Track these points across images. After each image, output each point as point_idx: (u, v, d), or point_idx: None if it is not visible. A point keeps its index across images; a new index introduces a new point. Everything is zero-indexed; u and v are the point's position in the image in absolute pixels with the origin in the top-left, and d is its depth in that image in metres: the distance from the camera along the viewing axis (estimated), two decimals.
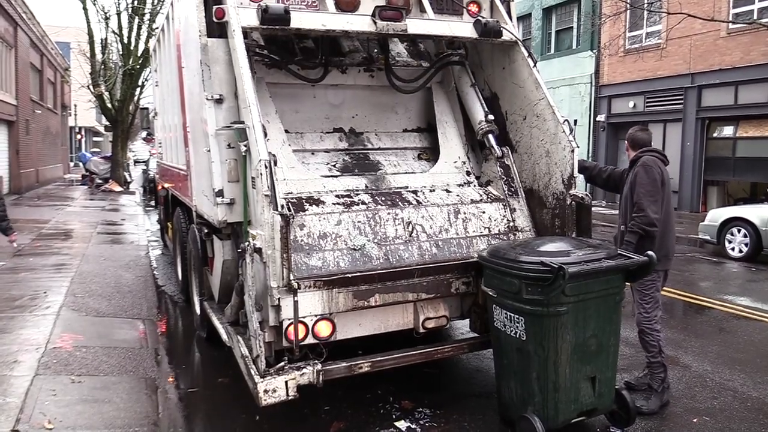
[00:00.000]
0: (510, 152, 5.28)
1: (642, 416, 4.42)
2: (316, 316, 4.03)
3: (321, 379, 3.92)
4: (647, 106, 19.95)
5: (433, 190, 5.00)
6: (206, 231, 5.49)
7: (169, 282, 8.74)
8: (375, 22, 4.60)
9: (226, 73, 4.52)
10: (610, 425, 4.30)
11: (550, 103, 4.93)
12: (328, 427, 4.32)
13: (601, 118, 21.76)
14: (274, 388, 3.76)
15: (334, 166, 5.22)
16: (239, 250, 4.12)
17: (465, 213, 4.85)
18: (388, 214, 4.58)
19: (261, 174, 3.80)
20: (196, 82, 4.88)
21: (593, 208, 4.82)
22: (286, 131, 5.06)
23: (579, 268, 3.69)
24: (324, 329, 4.08)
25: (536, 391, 3.88)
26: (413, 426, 4.35)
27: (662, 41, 18.52)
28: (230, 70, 4.48)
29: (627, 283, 4.17)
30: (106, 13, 23.68)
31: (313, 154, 5.25)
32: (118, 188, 23.84)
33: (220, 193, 4.55)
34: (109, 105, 24.91)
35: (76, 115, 39.77)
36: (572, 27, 23.64)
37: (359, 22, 4.63)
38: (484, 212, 4.93)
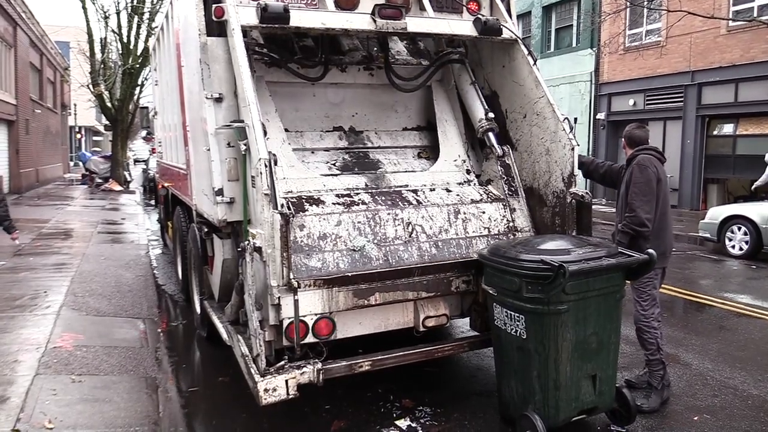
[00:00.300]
0: (511, 151, 5.27)
1: (642, 414, 4.42)
2: (316, 314, 4.03)
3: (321, 378, 3.92)
4: (647, 104, 19.94)
5: (434, 189, 4.99)
6: (206, 230, 5.49)
7: (169, 281, 8.74)
8: (374, 21, 4.59)
9: (226, 72, 4.52)
10: (611, 423, 4.30)
11: (550, 101, 4.92)
12: (328, 425, 4.32)
13: (601, 116, 21.75)
14: (275, 387, 3.76)
15: (334, 164, 5.21)
16: (239, 249, 4.11)
17: (465, 213, 4.84)
18: (388, 214, 4.57)
19: (261, 173, 3.80)
20: (195, 80, 4.87)
21: (593, 207, 4.82)
22: (286, 130, 5.05)
23: (579, 267, 3.69)
24: (324, 328, 4.08)
25: (537, 390, 3.88)
26: (414, 425, 4.35)
27: (662, 39, 18.51)
28: (230, 68, 4.48)
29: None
30: (105, 12, 23.69)
31: (312, 152, 5.25)
32: (118, 187, 23.83)
33: (219, 192, 4.55)
34: (109, 104, 24.89)
35: (75, 114, 39.75)
36: (572, 25, 23.62)
37: (359, 20, 4.62)
38: (484, 212, 4.92)
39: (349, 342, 4.41)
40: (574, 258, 3.79)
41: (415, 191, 4.91)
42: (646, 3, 17.43)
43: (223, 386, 5.03)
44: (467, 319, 5.14)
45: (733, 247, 11.26)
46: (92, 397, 4.55)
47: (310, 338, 4.04)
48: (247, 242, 3.89)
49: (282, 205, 3.83)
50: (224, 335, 4.76)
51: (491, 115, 5.31)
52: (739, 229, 11.19)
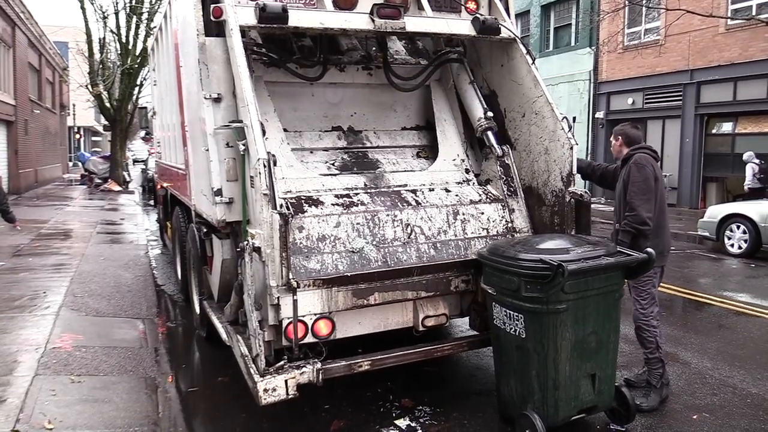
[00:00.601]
0: (510, 151, 5.26)
1: (642, 413, 4.42)
2: (315, 314, 4.03)
3: (321, 378, 3.91)
4: (646, 103, 19.94)
5: (433, 189, 4.99)
6: (205, 230, 5.49)
7: (168, 281, 8.73)
8: (373, 20, 4.59)
9: (224, 72, 4.52)
10: (610, 422, 4.30)
11: (549, 100, 4.92)
12: (328, 425, 4.33)
13: (599, 114, 21.75)
14: (274, 387, 3.76)
15: (333, 164, 5.21)
16: (238, 249, 4.11)
17: (464, 214, 4.84)
18: (387, 215, 4.57)
19: (260, 173, 3.80)
20: (194, 81, 4.87)
21: (592, 206, 4.82)
22: (285, 130, 5.05)
23: (578, 266, 3.69)
24: (323, 328, 4.08)
25: (536, 389, 3.88)
26: (413, 424, 4.35)
27: (661, 38, 18.51)
28: (228, 68, 4.48)
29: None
30: (104, 12, 23.67)
31: (311, 152, 5.25)
32: (117, 188, 23.83)
33: (218, 193, 4.55)
34: (108, 104, 24.88)
35: (74, 114, 39.72)
36: (571, 24, 23.61)
37: (357, 20, 4.62)
38: (482, 213, 4.92)
39: (348, 342, 4.41)
40: (573, 257, 3.79)
41: (414, 191, 4.91)
42: (644, 2, 17.43)
43: (223, 386, 5.03)
44: (466, 319, 5.14)
45: (732, 245, 11.26)
46: (92, 397, 4.55)
47: (309, 338, 4.04)
48: (246, 242, 3.89)
49: (281, 205, 3.83)
50: (224, 335, 4.76)
51: (490, 114, 5.31)
52: (738, 227, 11.20)
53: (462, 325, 6.13)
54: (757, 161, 14.50)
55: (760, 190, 14.17)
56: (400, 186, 5.03)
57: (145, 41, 22.32)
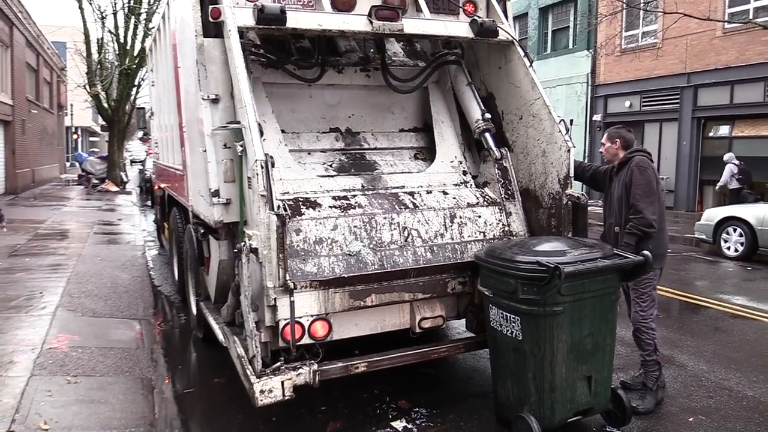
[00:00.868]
0: (508, 154, 5.27)
1: (638, 415, 4.43)
2: (312, 316, 4.03)
3: (317, 380, 3.91)
4: (643, 106, 19.99)
5: (430, 192, 4.99)
6: (202, 231, 5.48)
7: (165, 282, 8.72)
8: (371, 22, 4.59)
9: (222, 73, 4.51)
10: (606, 425, 4.31)
11: (546, 102, 4.93)
12: (324, 427, 4.32)
13: (597, 117, 21.79)
14: (271, 388, 3.76)
15: (331, 166, 5.22)
16: (235, 251, 4.11)
17: (461, 217, 4.85)
18: (384, 218, 4.58)
19: (257, 174, 3.80)
20: (192, 81, 4.87)
21: (589, 208, 4.83)
22: (283, 131, 5.05)
23: (575, 268, 3.69)
24: (320, 329, 4.08)
25: (532, 391, 3.88)
26: (410, 426, 4.35)
27: (658, 41, 18.55)
28: (226, 69, 4.48)
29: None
30: (102, 12, 23.65)
31: (309, 154, 5.25)
32: (114, 188, 23.80)
33: (216, 193, 4.54)
34: (106, 105, 24.87)
35: (72, 114, 39.68)
36: (569, 26, 23.66)
37: (355, 21, 4.63)
38: (480, 216, 4.93)
39: (345, 343, 4.41)
40: (570, 259, 3.80)
41: (411, 193, 4.91)
42: (642, 5, 17.48)
43: (219, 387, 5.03)
44: (463, 321, 5.14)
45: (729, 248, 11.29)
46: (88, 398, 4.54)
47: (306, 339, 4.04)
48: (243, 243, 3.89)
49: (278, 207, 3.83)
50: (220, 336, 4.76)
51: (488, 115, 5.31)
52: (735, 230, 11.23)
53: (459, 327, 6.13)
54: (736, 162, 14.98)
55: (739, 191, 14.83)
56: (397, 188, 5.03)
57: (143, 42, 22.29)
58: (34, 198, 19.64)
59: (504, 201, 5.08)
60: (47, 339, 5.59)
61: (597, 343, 3.96)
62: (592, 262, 3.86)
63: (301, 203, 4.46)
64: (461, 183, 5.29)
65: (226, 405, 4.67)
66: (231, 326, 4.65)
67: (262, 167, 3.79)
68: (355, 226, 4.46)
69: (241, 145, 4.14)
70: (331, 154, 5.32)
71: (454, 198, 4.98)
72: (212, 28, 4.51)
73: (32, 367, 4.93)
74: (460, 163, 5.44)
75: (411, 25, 4.79)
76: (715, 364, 5.64)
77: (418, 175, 5.27)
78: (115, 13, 23.28)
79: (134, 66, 23.42)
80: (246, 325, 3.91)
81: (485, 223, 4.93)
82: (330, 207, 4.51)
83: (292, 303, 3.81)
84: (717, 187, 15.85)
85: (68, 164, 38.11)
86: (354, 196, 4.74)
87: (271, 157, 3.89)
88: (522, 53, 5.13)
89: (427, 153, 5.61)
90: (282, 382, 3.79)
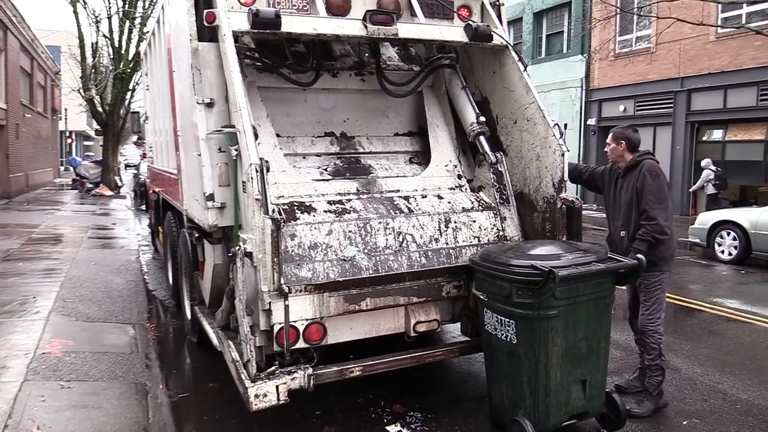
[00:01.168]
0: (503, 158, 5.27)
1: (632, 419, 4.43)
2: (306, 320, 4.02)
3: (312, 384, 3.91)
4: (637, 110, 20.08)
5: (425, 196, 5.00)
6: (197, 235, 5.47)
7: (159, 286, 8.69)
8: (366, 26, 4.60)
9: (217, 77, 4.51)
10: (601, 428, 4.31)
11: (541, 107, 4.94)
12: (319, 431, 4.31)
13: (591, 121, 21.88)
14: (265, 392, 3.75)
15: (326, 170, 5.22)
16: (230, 255, 4.10)
17: (456, 222, 4.85)
18: (379, 223, 4.58)
19: (252, 178, 3.79)
20: (186, 86, 4.87)
21: (584, 212, 4.84)
22: (278, 135, 5.05)
23: (569, 272, 3.70)
24: (315, 333, 4.07)
25: (527, 395, 3.89)
26: (404, 430, 4.34)
27: (652, 45, 18.66)
28: (221, 74, 4.47)
29: (624, 286, 4.17)
30: (96, 16, 23.59)
31: (304, 158, 5.25)
32: (108, 192, 23.74)
33: (210, 197, 4.54)
34: (100, 109, 24.81)
35: (66, 119, 39.57)
36: (563, 31, 23.77)
37: (350, 26, 4.63)
38: (474, 221, 4.94)
39: (340, 347, 4.40)
40: (564, 263, 3.80)
41: (406, 198, 4.91)
42: (636, 10, 17.57)
43: (214, 392, 5.01)
44: (458, 325, 5.14)
45: (723, 252, 11.33)
46: (81, 403, 4.52)
47: (300, 344, 4.03)
48: (237, 247, 3.88)
49: (273, 210, 3.82)
50: (215, 341, 4.75)
51: (482, 118, 5.32)
52: (729, 234, 11.26)
53: (453, 331, 6.13)
54: (713, 168, 15.47)
55: (715, 196, 15.45)
56: (392, 191, 5.03)
57: (137, 46, 22.29)
58: (27, 202, 19.56)
59: (499, 205, 5.09)
60: (40, 344, 5.57)
61: (591, 347, 3.97)
62: (587, 265, 3.87)
63: (296, 207, 4.46)
64: (456, 187, 5.30)
65: (220, 409, 4.65)
66: (225, 330, 4.64)
67: (256, 171, 3.78)
68: (350, 231, 4.46)
69: (236, 149, 4.14)
70: (326, 158, 5.32)
71: (449, 202, 4.99)
72: (207, 32, 4.51)
73: (25, 372, 4.91)
74: (455, 167, 5.45)
75: (405, 29, 4.80)
76: (709, 367, 5.65)
77: (413, 179, 5.28)
78: (109, 17, 23.23)
79: (129, 70, 23.38)
80: (240, 329, 3.90)
81: (480, 227, 4.93)
82: (325, 211, 4.51)
83: (286, 307, 3.81)
84: (690, 191, 16.68)
85: (62, 168, 37.99)
86: (349, 200, 4.74)
87: (267, 162, 3.89)
88: (516, 58, 5.14)
89: (422, 157, 5.62)
90: (277, 387, 3.78)
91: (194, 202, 5.20)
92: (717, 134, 17.82)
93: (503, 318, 3.93)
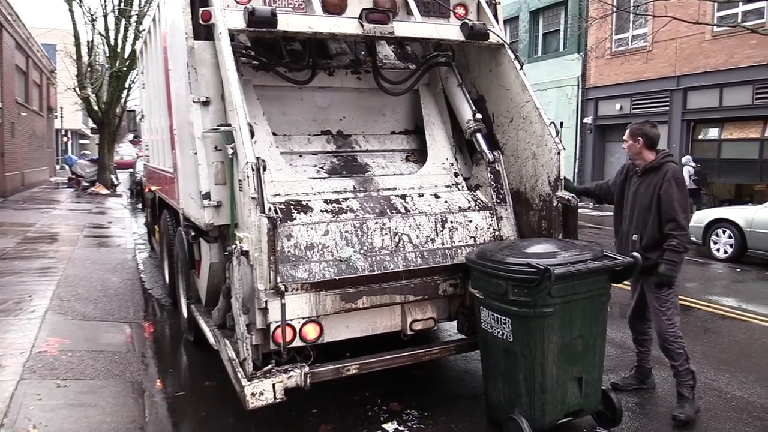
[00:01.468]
0: (501, 157, 5.26)
1: (628, 416, 4.45)
2: (303, 318, 4.03)
3: (308, 382, 3.91)
4: (633, 108, 20.11)
5: (422, 195, 5.00)
6: (193, 234, 5.47)
7: (156, 285, 8.68)
8: (362, 25, 4.60)
9: (213, 76, 4.51)
10: (597, 425, 4.33)
11: (537, 105, 4.95)
12: (316, 429, 4.32)
13: (588, 120, 21.92)
14: (262, 391, 3.75)
15: (322, 168, 5.22)
16: (226, 253, 4.10)
17: (452, 222, 4.86)
18: (376, 223, 4.58)
19: (248, 177, 3.79)
20: (182, 84, 4.86)
21: (580, 210, 4.84)
22: (274, 134, 5.05)
23: (565, 270, 3.71)
24: (311, 332, 4.08)
25: (523, 392, 3.90)
26: (401, 428, 4.35)
27: (648, 44, 18.70)
28: (217, 72, 4.47)
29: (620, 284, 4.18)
30: (92, 15, 23.50)
31: (300, 156, 5.25)
32: (104, 191, 23.68)
33: (207, 196, 4.53)
34: (96, 107, 24.74)
35: (62, 117, 39.47)
36: (559, 30, 23.80)
37: (346, 24, 4.63)
38: (470, 221, 4.94)
39: (336, 346, 4.41)
40: (560, 261, 3.81)
41: (403, 197, 4.91)
42: (632, 8, 17.61)
43: (210, 390, 5.01)
44: (454, 323, 5.15)
45: (718, 250, 11.36)
46: (78, 402, 4.51)
47: (297, 342, 4.03)
48: (234, 246, 3.89)
49: (269, 209, 3.82)
50: (211, 339, 4.75)
51: (479, 115, 5.32)
52: (724, 232, 11.30)
53: (450, 329, 6.14)
54: (693, 164, 15.62)
55: (696, 191, 15.51)
56: (389, 189, 5.04)
57: (133, 44, 22.24)
58: (23, 201, 19.51)
59: (495, 205, 5.09)
60: (36, 342, 5.56)
61: (587, 345, 3.98)
62: (582, 263, 3.88)
63: (292, 207, 4.46)
64: (453, 185, 5.30)
65: (217, 408, 4.65)
66: (222, 329, 4.64)
67: (252, 170, 3.78)
68: (347, 232, 4.46)
69: (232, 148, 4.13)
70: (322, 156, 5.32)
71: (446, 202, 4.99)
72: (203, 30, 4.50)
73: (21, 370, 4.90)
74: (452, 164, 5.45)
75: (402, 28, 4.80)
76: (704, 365, 5.67)
77: (409, 177, 5.28)
78: (105, 16, 23.18)
79: (125, 68, 23.31)
80: (237, 327, 3.90)
81: (476, 228, 4.94)
82: (321, 211, 4.51)
83: (283, 305, 3.81)
84: None
85: (58, 167, 37.89)
86: (346, 199, 4.74)
87: (263, 161, 3.89)
88: (512, 56, 5.15)
89: (418, 155, 5.62)
90: (273, 385, 3.78)
91: (190, 200, 5.20)
92: (713, 132, 17.87)
93: (499, 316, 3.94)
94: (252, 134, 4.06)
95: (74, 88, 24.70)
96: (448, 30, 5.05)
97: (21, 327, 6.01)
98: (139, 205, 17.06)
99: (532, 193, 5.02)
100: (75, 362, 5.22)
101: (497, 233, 5.00)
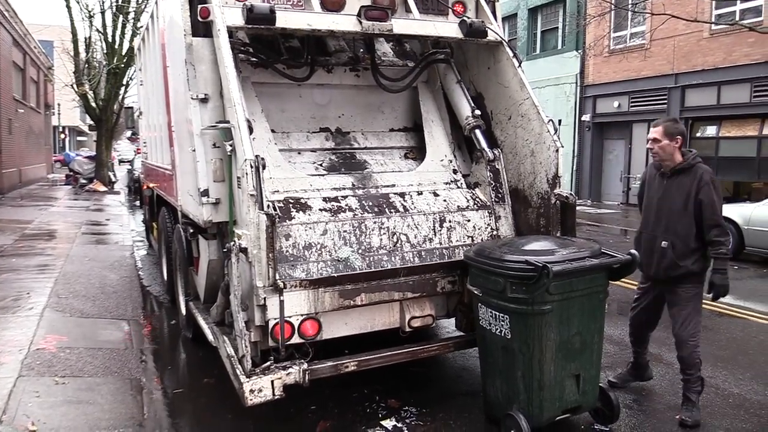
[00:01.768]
0: (501, 155, 5.25)
1: (625, 413, 4.46)
2: (302, 315, 4.03)
3: (307, 379, 3.91)
4: (632, 106, 20.14)
5: (421, 193, 5.00)
6: (192, 231, 5.46)
7: (154, 282, 8.68)
8: (361, 22, 4.60)
9: (212, 73, 4.50)
10: (594, 422, 4.34)
11: (535, 103, 4.95)
12: (314, 426, 4.32)
13: (586, 117, 21.93)
14: (260, 387, 3.76)
15: (321, 165, 5.22)
16: (225, 250, 4.10)
17: (450, 221, 4.86)
18: (374, 222, 4.59)
19: (246, 174, 3.80)
20: (180, 81, 4.85)
21: (578, 208, 4.84)
22: (272, 131, 5.04)
23: (563, 267, 3.72)
24: (310, 328, 4.09)
25: (521, 389, 3.91)
26: (399, 425, 4.36)
27: (646, 42, 18.69)
28: (215, 69, 4.47)
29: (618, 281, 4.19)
30: (90, 11, 23.43)
31: (299, 153, 5.25)
32: (102, 188, 23.64)
33: (205, 193, 4.53)
34: (93, 104, 24.69)
35: (59, 114, 39.38)
36: (558, 27, 23.80)
37: (345, 21, 4.63)
38: (469, 221, 4.95)
39: (335, 342, 4.41)
40: (558, 258, 3.82)
41: (402, 195, 4.91)
42: (630, 6, 17.61)
43: (209, 387, 5.01)
44: (453, 320, 5.16)
45: None
46: (76, 399, 4.52)
47: (295, 339, 4.04)
48: (232, 243, 3.89)
49: (268, 206, 3.83)
50: (210, 336, 4.75)
51: (477, 112, 5.32)
52: None
53: (448, 326, 6.15)
54: None
55: None
56: (387, 187, 5.03)
57: (131, 41, 22.17)
58: (20, 198, 19.48)
59: (494, 204, 5.10)
60: (35, 340, 5.55)
61: (585, 342, 3.99)
62: (580, 261, 3.88)
63: (291, 205, 4.46)
64: (451, 182, 5.30)
65: (215, 405, 4.66)
66: (220, 326, 4.65)
67: (251, 167, 3.78)
68: (345, 231, 4.47)
69: (231, 145, 4.13)
70: (321, 153, 5.32)
71: (444, 200, 4.99)
72: (201, 27, 4.49)
73: (20, 368, 4.90)
74: (450, 162, 5.45)
75: (400, 25, 4.80)
76: (702, 362, 5.67)
77: (408, 174, 5.28)
78: (103, 12, 23.12)
79: (122, 65, 23.28)
80: (235, 324, 3.90)
81: (474, 227, 4.94)
82: (320, 210, 4.51)
83: (281, 302, 3.81)
84: None
85: (56, 164, 37.79)
86: (344, 197, 4.74)
87: (262, 158, 3.89)
88: (511, 54, 5.15)
89: (417, 152, 5.62)
90: (272, 382, 3.79)
91: (189, 197, 5.19)
92: (711, 130, 17.88)
93: (497, 313, 3.95)
94: (250, 131, 4.06)
95: (72, 85, 24.65)
96: (447, 27, 5.05)
97: (19, 324, 6.00)
98: (137, 202, 17.04)
99: (531, 191, 5.03)
100: (73, 359, 5.22)
101: (495, 233, 5.01)
